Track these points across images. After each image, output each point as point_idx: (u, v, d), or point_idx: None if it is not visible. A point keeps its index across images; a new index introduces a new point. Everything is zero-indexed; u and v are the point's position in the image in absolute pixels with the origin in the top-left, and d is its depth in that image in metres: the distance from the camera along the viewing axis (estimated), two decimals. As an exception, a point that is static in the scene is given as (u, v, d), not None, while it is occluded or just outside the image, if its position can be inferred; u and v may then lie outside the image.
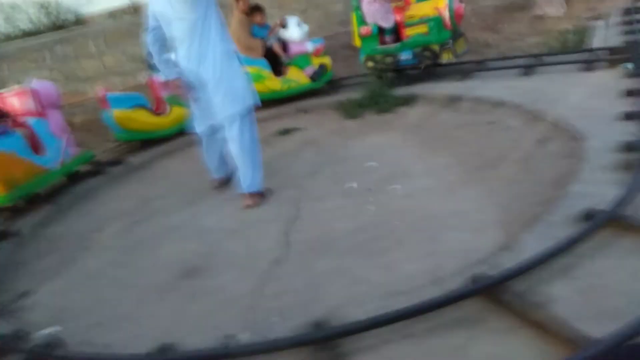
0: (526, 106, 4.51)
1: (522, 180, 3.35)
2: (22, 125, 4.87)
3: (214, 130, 4.09)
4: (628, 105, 3.86)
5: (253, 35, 6.33)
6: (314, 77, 6.45)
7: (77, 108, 7.77)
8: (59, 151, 5.09)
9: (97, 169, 5.59)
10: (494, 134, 4.29)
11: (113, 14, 11.14)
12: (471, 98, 5.18)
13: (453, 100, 5.30)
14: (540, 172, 3.40)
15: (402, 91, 5.92)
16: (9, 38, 10.29)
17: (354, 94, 6.18)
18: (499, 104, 4.80)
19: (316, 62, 6.48)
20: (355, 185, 3.91)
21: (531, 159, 3.64)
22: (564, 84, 4.82)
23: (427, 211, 3.23)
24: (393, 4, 6.29)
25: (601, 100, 4.17)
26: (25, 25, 10.87)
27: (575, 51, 5.90)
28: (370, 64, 6.37)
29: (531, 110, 4.41)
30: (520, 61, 5.92)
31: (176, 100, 6.06)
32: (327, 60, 6.60)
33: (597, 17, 7.78)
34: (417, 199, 3.44)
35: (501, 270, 2.28)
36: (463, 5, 6.07)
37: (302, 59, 6.43)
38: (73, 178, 5.35)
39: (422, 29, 5.88)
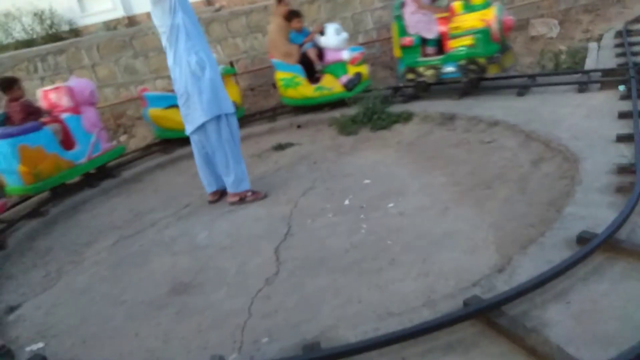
0: (521, 126, 4.52)
1: (516, 201, 3.34)
2: (56, 120, 5.21)
3: (200, 139, 4.20)
4: (621, 127, 3.88)
5: (290, 41, 6.38)
6: (348, 86, 6.33)
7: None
8: (90, 146, 5.43)
9: (88, 181, 5.54)
10: (489, 154, 4.29)
11: (108, 25, 11.14)
12: (466, 117, 5.19)
13: (448, 119, 5.32)
14: (535, 193, 3.40)
15: (397, 108, 5.93)
16: (2, 47, 10.26)
17: (348, 110, 6.19)
18: (494, 124, 4.81)
19: (352, 70, 6.35)
20: (349, 202, 3.88)
21: (526, 179, 3.63)
22: (558, 105, 4.85)
23: (421, 230, 3.21)
24: (437, 15, 6.01)
25: (595, 121, 4.19)
26: (19, 34, 10.85)
27: (569, 72, 5.95)
28: (410, 75, 6.18)
29: (526, 130, 4.42)
30: (515, 81, 5.97)
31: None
32: (364, 69, 6.47)
33: (590, 39, 7.89)
34: (411, 218, 3.41)
35: (495, 293, 2.25)
36: (512, 17, 5.70)
37: (338, 67, 6.34)
38: (102, 171, 5.69)
39: (468, 41, 5.60)
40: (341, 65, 6.33)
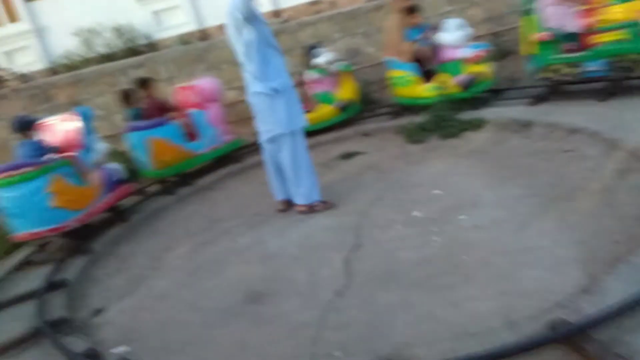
0: (604, 134, 4.23)
1: (602, 215, 3.13)
2: (183, 115, 5.97)
3: (272, 147, 4.35)
4: None
5: (406, 37, 6.16)
6: (465, 86, 5.86)
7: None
8: (212, 138, 6.13)
9: (167, 188, 5.84)
10: (569, 164, 4.06)
11: (183, 39, 11.70)
12: (543, 124, 4.94)
13: (524, 126, 5.08)
14: (622, 206, 3.17)
15: (467, 115, 5.76)
16: (87, 61, 11.05)
17: (417, 118, 6.10)
18: (574, 131, 4.54)
19: (471, 69, 5.85)
20: (419, 213, 3.82)
21: (612, 191, 3.40)
22: (645, 110, 4.51)
23: (498, 245, 3.09)
24: (580, 7, 5.33)
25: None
26: (102, 48, 11.64)
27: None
28: (546, 74, 5.58)
29: (609, 138, 4.13)
30: (596, 85, 5.59)
31: (325, 98, 6.54)
32: (485, 67, 5.96)
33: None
34: (486, 232, 3.29)
35: (582, 316, 2.12)
36: None
37: (454, 65, 5.91)
38: (221, 161, 6.38)
39: (619, 35, 5.01)
40: (458, 64, 5.91)
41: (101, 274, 4.13)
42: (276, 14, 11.54)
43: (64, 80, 8.30)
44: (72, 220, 4.42)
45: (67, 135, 4.97)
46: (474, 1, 8.35)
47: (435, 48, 6.07)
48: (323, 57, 6.62)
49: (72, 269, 4.12)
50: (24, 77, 10.22)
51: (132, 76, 8.06)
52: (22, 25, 11.61)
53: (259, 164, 6.24)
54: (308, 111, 6.27)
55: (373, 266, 3.21)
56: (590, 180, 3.66)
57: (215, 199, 5.54)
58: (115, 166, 5.28)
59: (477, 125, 5.48)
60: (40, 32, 11.65)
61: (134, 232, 4.94)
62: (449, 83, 5.92)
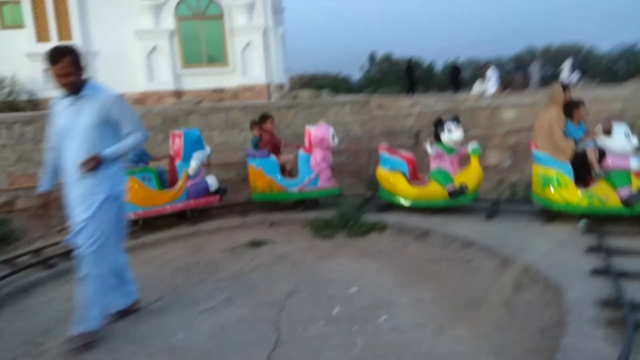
0: (496, 249, 4.75)
1: (509, 326, 3.42)
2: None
3: None
4: (591, 261, 4.18)
5: (566, 134, 5.54)
6: (629, 201, 5.12)
7: (22, 191, 7.28)
8: (306, 180, 6.59)
9: (43, 260, 5.10)
10: (470, 273, 4.43)
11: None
12: (441, 233, 5.40)
13: (423, 234, 5.50)
14: (525, 318, 3.50)
15: (371, 217, 6.08)
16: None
17: (323, 213, 6.28)
18: (470, 244, 5.03)
19: (638, 183, 5.19)
20: (338, 310, 3.80)
21: (512, 304, 3.75)
22: (525, 232, 5.18)
23: (420, 350, 3.16)
24: None
25: (564, 252, 4.48)
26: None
27: (530, 201, 6.45)
28: None
29: (501, 253, 4.64)
30: (484, 204, 6.35)
31: (440, 177, 6.10)
32: None
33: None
34: (407, 335, 3.37)
35: None
36: None
37: (620, 176, 5.21)
38: (306, 204, 6.80)
39: None
40: (624, 175, 5.22)
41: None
42: (178, 94, 11.52)
43: None
44: (134, 213, 5.85)
45: (174, 149, 6.60)
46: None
47: (599, 152, 5.44)
48: (450, 135, 6.06)
49: None
50: None
51: (16, 131, 7.28)
52: None
53: (155, 242, 5.87)
54: (418, 184, 6.35)
55: (297, 366, 3.06)
56: (491, 292, 4.01)
57: (104, 277, 4.95)
58: (209, 179, 6.59)
59: (381, 228, 5.80)
60: None
61: (1, 308, 4.16)
62: (611, 195, 5.25)
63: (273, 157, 6.67)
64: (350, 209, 6.11)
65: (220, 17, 12.05)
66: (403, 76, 22.64)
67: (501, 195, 7.46)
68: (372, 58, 36.60)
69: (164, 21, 11.56)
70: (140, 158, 6.42)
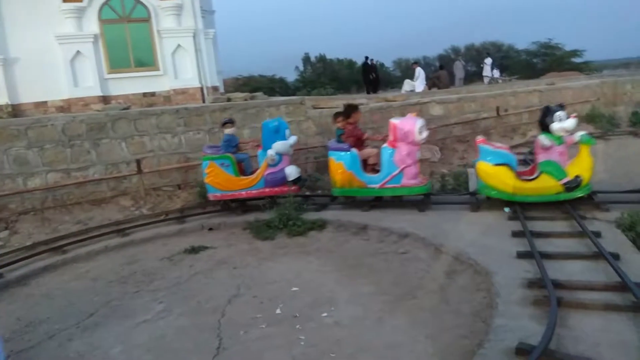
0: (429, 239, 4.94)
1: (443, 312, 3.57)
2: (374, 147, 6.49)
3: None
4: (516, 244, 4.44)
5: None
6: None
7: None
8: (392, 177, 6.11)
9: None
10: (406, 264, 4.57)
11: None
12: (378, 227, 5.54)
13: (361, 229, 5.62)
14: (457, 303, 3.66)
15: (310, 216, 6.13)
16: None
17: (262, 215, 6.26)
18: (405, 235, 5.19)
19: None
20: (280, 311, 3.80)
21: (446, 290, 3.92)
22: (456, 221, 5.42)
23: (362, 342, 3.23)
24: None
25: (492, 238, 4.73)
26: None
27: (460, 193, 6.75)
28: None
29: (434, 243, 4.83)
30: (416, 197, 6.55)
31: (551, 169, 5.53)
32: None
33: (467, 165, 9.10)
34: (348, 329, 3.43)
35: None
36: None
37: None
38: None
39: None
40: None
41: None
42: (105, 100, 11.02)
43: None
44: (212, 195, 6.60)
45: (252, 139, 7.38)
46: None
47: None
48: (562, 123, 5.56)
49: None
50: None
51: None
52: None
53: (85, 256, 5.60)
54: (530, 179, 5.66)
55: (239, 370, 3.04)
56: (427, 280, 4.16)
57: (30, 296, 4.67)
58: (290, 169, 6.54)
59: (320, 225, 5.86)
60: None
61: None
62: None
63: (354, 150, 6.31)
64: (290, 208, 6.13)
65: (147, 20, 11.62)
66: (359, 76, 22.05)
67: (433, 188, 7.75)
68: (306, 59, 36.77)
69: (87, 25, 11.00)
70: (231, 146, 6.71)
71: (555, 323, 2.89)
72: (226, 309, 3.92)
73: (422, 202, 6.19)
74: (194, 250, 5.47)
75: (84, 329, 3.80)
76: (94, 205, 7.22)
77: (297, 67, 36.94)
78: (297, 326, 3.53)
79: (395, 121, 6.13)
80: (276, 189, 6.55)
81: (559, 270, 3.76)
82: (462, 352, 2.96)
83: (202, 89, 11.99)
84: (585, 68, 27.80)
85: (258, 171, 6.55)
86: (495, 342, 2.87)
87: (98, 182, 7.37)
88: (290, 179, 6.56)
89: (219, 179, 6.47)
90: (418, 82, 16.68)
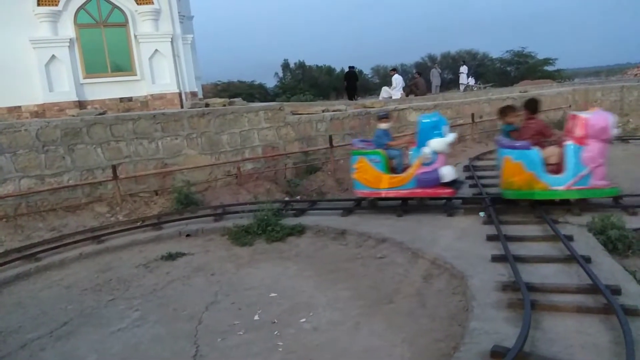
0: (407, 244, 4.98)
1: (420, 316, 3.60)
2: (559, 145, 5.63)
3: None
4: (491, 248, 4.53)
5: None
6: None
7: None
8: (579, 178, 5.45)
9: None
10: (383, 269, 4.61)
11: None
12: (356, 232, 5.57)
13: (340, 234, 5.64)
14: (434, 307, 3.71)
15: (289, 221, 6.12)
16: None
17: (240, 221, 6.23)
18: (382, 240, 5.23)
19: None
20: (258, 317, 3.79)
21: (422, 294, 3.96)
22: (433, 226, 5.48)
23: (339, 348, 3.24)
24: None
25: (468, 242, 4.81)
26: None
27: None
28: None
29: (412, 248, 4.88)
30: (394, 202, 6.61)
31: None
32: None
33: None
34: (326, 334, 3.44)
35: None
36: None
37: None
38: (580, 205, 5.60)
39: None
40: None
41: None
42: (81, 105, 10.86)
43: None
44: (360, 192, 6.33)
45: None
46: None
47: None
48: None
49: None
50: None
51: None
52: None
53: (59, 263, 5.49)
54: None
55: (217, 377, 3.01)
56: (404, 285, 4.20)
57: (3, 305, 4.54)
58: (446, 169, 5.92)
59: (299, 231, 5.86)
60: None
61: None
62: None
63: (537, 149, 5.59)
64: (269, 214, 6.11)
65: (124, 24, 11.50)
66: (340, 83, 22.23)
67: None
68: (286, 66, 36.82)
69: (62, 29, 10.84)
70: (384, 142, 6.37)
71: (530, 325, 2.95)
72: (203, 316, 3.89)
73: (399, 207, 6.24)
74: (170, 257, 5.41)
75: (57, 338, 3.72)
76: (68, 211, 7.07)
77: (276, 74, 36.96)
78: (276, 332, 3.52)
79: (585, 115, 5.51)
80: (428, 190, 6.05)
81: (532, 274, 3.84)
82: (439, 355, 2.99)
83: (180, 94, 11.92)
84: (558, 76, 28.58)
85: (410, 170, 6.10)
86: (471, 345, 2.91)
87: (73, 188, 7.22)
88: (445, 180, 5.95)
89: (367, 175, 6.18)
90: (396, 90, 16.87)
